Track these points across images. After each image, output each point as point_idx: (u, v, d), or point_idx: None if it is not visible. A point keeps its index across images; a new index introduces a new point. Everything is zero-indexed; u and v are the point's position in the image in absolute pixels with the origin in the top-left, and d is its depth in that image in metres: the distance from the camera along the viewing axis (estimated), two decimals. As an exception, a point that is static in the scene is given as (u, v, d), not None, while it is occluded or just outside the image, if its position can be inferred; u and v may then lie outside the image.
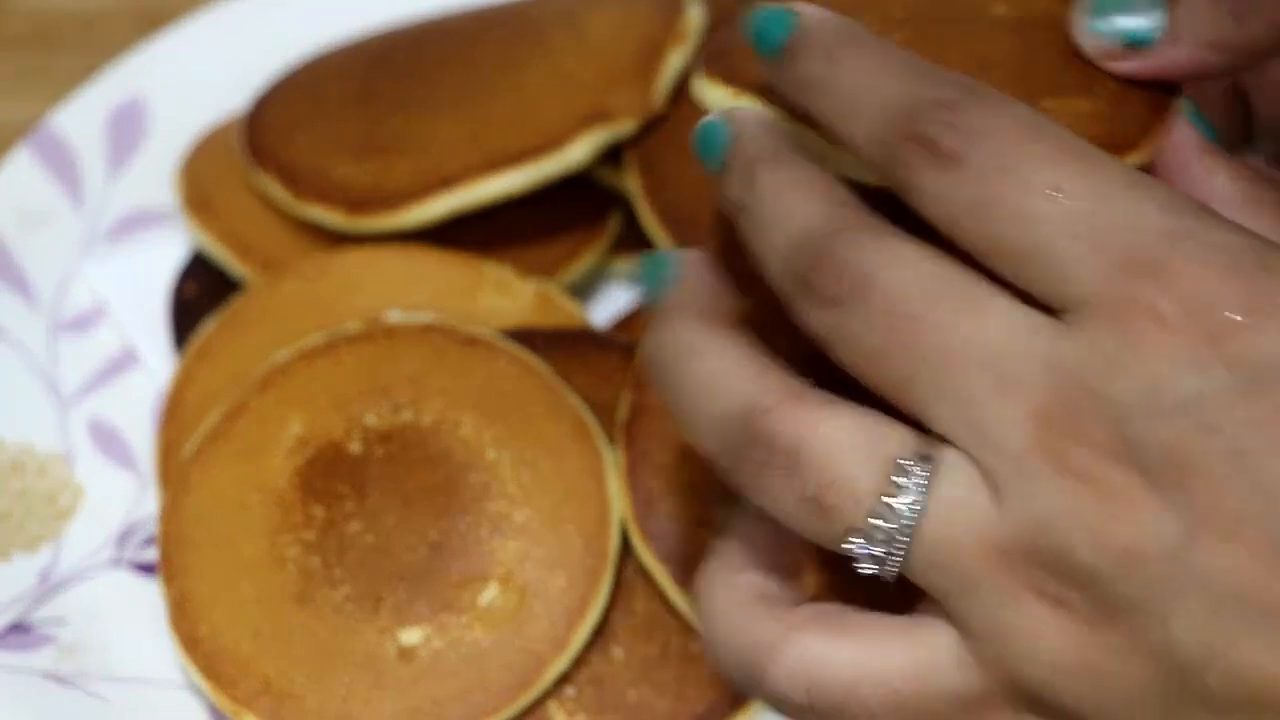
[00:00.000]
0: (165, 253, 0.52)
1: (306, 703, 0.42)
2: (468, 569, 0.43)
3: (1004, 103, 0.32)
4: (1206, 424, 0.29)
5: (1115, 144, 0.36)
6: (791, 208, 0.33)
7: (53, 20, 0.62)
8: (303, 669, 0.42)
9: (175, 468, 0.46)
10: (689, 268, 0.36)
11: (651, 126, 0.50)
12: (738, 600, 0.34)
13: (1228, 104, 0.41)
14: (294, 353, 0.46)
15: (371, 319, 0.47)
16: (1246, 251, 0.30)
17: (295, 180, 0.50)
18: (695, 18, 0.51)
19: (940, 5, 0.41)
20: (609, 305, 0.51)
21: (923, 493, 0.31)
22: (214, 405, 0.46)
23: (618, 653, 0.43)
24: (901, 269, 0.31)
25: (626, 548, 0.43)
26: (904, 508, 0.31)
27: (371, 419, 0.45)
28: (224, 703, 0.42)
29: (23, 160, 0.53)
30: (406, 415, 0.45)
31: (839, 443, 0.31)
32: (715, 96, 0.40)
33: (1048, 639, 0.30)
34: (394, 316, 0.47)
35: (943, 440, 0.31)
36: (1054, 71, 0.38)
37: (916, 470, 0.31)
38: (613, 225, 0.52)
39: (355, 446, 0.45)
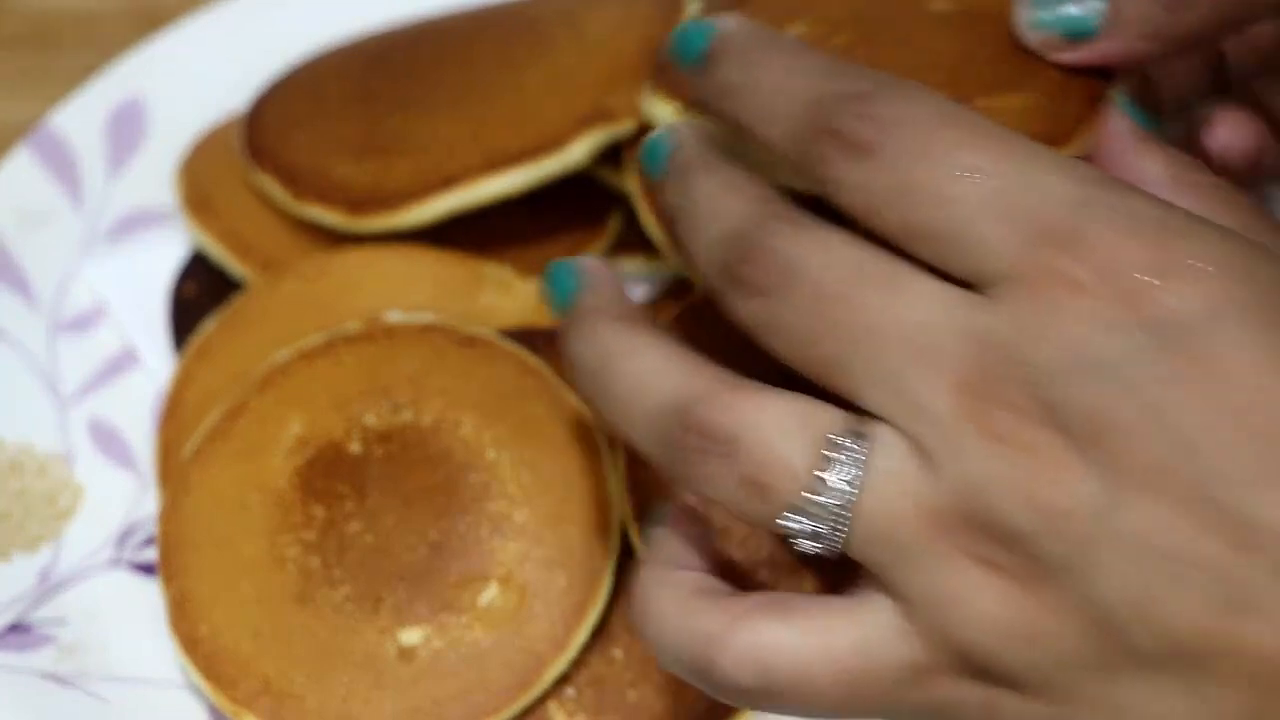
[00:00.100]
0: (165, 253, 0.52)
1: (306, 703, 0.42)
2: (468, 569, 0.43)
3: (914, 92, 0.33)
4: (1124, 383, 0.30)
5: (1052, 138, 0.37)
6: (721, 208, 0.34)
7: (53, 20, 0.62)
8: (303, 669, 0.42)
9: (175, 468, 0.46)
10: (597, 273, 0.37)
11: (652, 126, 0.50)
12: (677, 598, 0.34)
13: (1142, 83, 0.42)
14: (294, 353, 0.46)
15: (371, 319, 0.47)
16: (1155, 217, 0.31)
17: (295, 180, 0.50)
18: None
19: (881, 3, 0.41)
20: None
21: (857, 467, 0.31)
22: (214, 405, 0.46)
23: (618, 653, 0.43)
24: (826, 255, 0.32)
25: (626, 548, 0.43)
26: (839, 482, 0.32)
27: (371, 419, 0.45)
28: (224, 703, 0.42)
29: (23, 160, 0.53)
30: (406, 415, 0.45)
31: (773, 425, 0.32)
32: (662, 111, 0.41)
33: (983, 602, 0.31)
34: (394, 316, 0.47)
35: (875, 418, 0.32)
36: (991, 68, 0.39)
37: (850, 446, 0.32)
38: (613, 225, 0.52)
39: (355, 446, 0.45)
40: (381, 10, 0.55)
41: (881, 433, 0.32)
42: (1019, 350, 0.30)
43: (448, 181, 0.48)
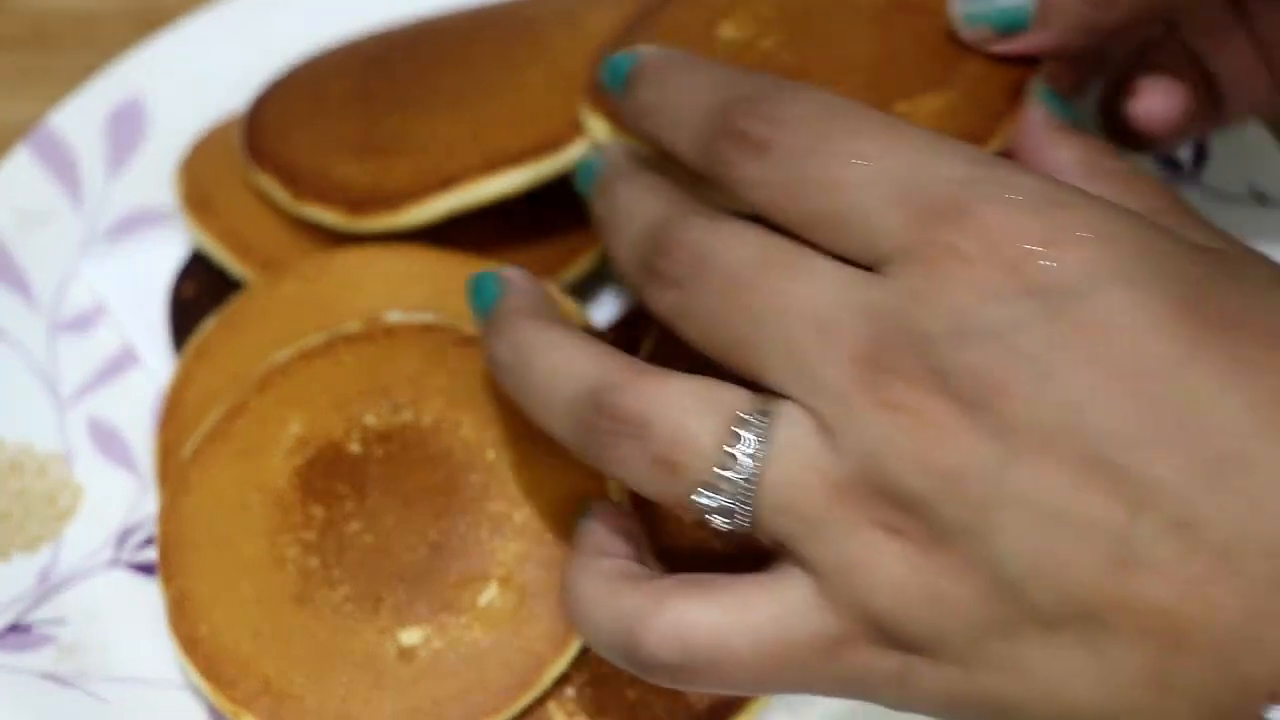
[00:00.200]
0: (165, 252, 0.52)
1: (306, 703, 0.42)
2: (468, 569, 0.43)
3: (804, 91, 0.35)
4: (1011, 348, 0.31)
5: (973, 136, 0.39)
6: (638, 209, 0.37)
7: (53, 20, 0.62)
8: (302, 669, 0.42)
9: (174, 468, 0.46)
10: (518, 280, 0.40)
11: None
12: (602, 581, 0.36)
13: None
14: (294, 353, 0.46)
15: (371, 319, 0.47)
16: (1040, 190, 0.32)
17: (295, 180, 0.50)
18: (695, 17, 0.51)
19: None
20: (609, 305, 0.51)
21: (763, 441, 0.33)
22: (213, 405, 0.46)
23: (618, 653, 0.43)
24: (733, 244, 0.34)
25: (626, 548, 0.43)
26: (746, 456, 0.33)
27: (371, 419, 0.45)
28: (223, 703, 0.42)
29: (22, 160, 0.53)
30: (406, 415, 0.45)
31: (682, 405, 0.34)
32: (597, 128, 0.43)
33: (888, 567, 0.32)
34: (394, 316, 0.47)
35: (782, 396, 0.33)
36: (915, 64, 0.41)
37: (755, 422, 0.33)
38: (613, 225, 0.52)
39: (355, 446, 0.45)
40: (381, 10, 0.55)
41: (786, 409, 0.33)
42: (911, 321, 0.32)
43: (448, 181, 0.48)
